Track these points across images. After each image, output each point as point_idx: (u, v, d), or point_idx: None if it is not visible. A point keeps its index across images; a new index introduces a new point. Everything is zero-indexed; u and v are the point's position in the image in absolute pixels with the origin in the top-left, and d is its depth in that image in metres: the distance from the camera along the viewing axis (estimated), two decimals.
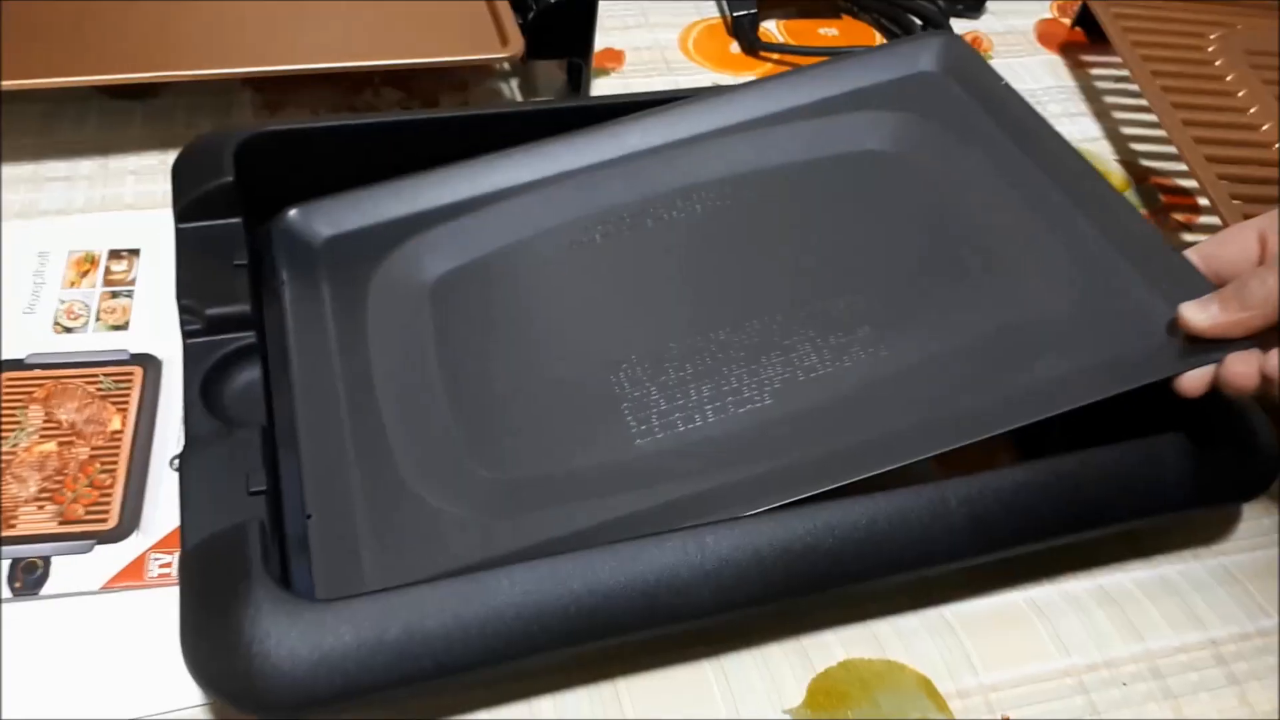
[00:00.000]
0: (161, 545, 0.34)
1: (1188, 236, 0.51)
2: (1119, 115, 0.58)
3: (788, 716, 0.31)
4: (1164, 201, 0.53)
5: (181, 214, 0.38)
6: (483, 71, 0.54)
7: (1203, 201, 0.53)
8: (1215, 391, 0.31)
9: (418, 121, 0.43)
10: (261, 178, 0.40)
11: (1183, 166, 0.53)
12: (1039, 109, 0.42)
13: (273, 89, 0.51)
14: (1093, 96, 0.60)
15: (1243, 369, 0.30)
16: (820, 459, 0.32)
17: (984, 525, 0.31)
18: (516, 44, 0.48)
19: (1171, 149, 0.52)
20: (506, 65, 0.54)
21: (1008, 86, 0.42)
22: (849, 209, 0.40)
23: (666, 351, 0.37)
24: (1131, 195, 0.53)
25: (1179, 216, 0.52)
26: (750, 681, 0.32)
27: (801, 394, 0.35)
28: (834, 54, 0.59)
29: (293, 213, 0.41)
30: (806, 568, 0.30)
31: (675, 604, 0.29)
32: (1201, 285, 0.33)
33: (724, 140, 0.44)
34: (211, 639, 0.27)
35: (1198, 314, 0.31)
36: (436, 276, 0.40)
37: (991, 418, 0.31)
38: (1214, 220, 0.51)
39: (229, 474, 0.30)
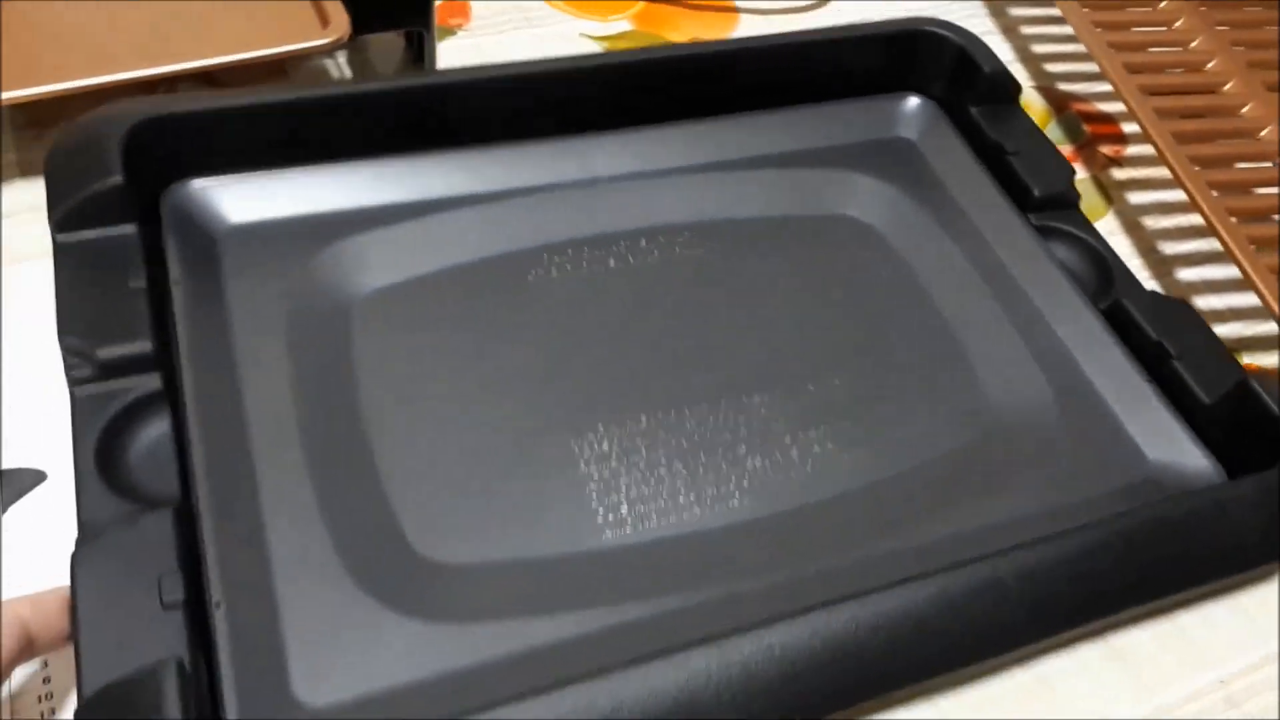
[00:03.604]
0: None
1: (1118, 174, 0.46)
2: (1029, 30, 0.53)
3: None
4: (1089, 133, 0.48)
5: (60, 223, 0.30)
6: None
7: (1129, 128, 0.48)
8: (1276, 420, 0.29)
9: (363, 95, 0.35)
10: (159, 172, 0.32)
11: (1105, 87, 0.49)
12: None
13: (39, 104, 0.40)
14: (999, 12, 0.54)
15: None
16: (806, 580, 0.28)
17: (1046, 606, 0.27)
18: (340, 25, 0.39)
19: (1091, 67, 0.48)
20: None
21: (982, 168, 0.40)
22: (825, 277, 0.36)
23: (638, 425, 0.31)
24: (1053, 129, 0.48)
25: (1106, 150, 0.47)
26: None
27: (784, 495, 0.31)
28: None
29: (190, 187, 0.33)
30: (847, 677, 0.25)
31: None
32: (1162, 416, 0.33)
33: (693, 178, 0.38)
34: None
35: None
36: (366, 294, 0.33)
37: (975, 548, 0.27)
38: (1146, 150, 0.47)
39: (137, 578, 0.24)
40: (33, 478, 0.30)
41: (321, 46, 0.38)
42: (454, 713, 0.22)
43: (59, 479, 0.30)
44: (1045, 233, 0.38)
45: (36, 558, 0.28)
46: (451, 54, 0.47)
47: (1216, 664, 0.30)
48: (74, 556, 0.24)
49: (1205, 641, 0.31)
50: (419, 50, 0.44)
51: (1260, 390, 0.31)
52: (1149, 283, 0.42)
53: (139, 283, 0.29)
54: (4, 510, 0.29)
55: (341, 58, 0.45)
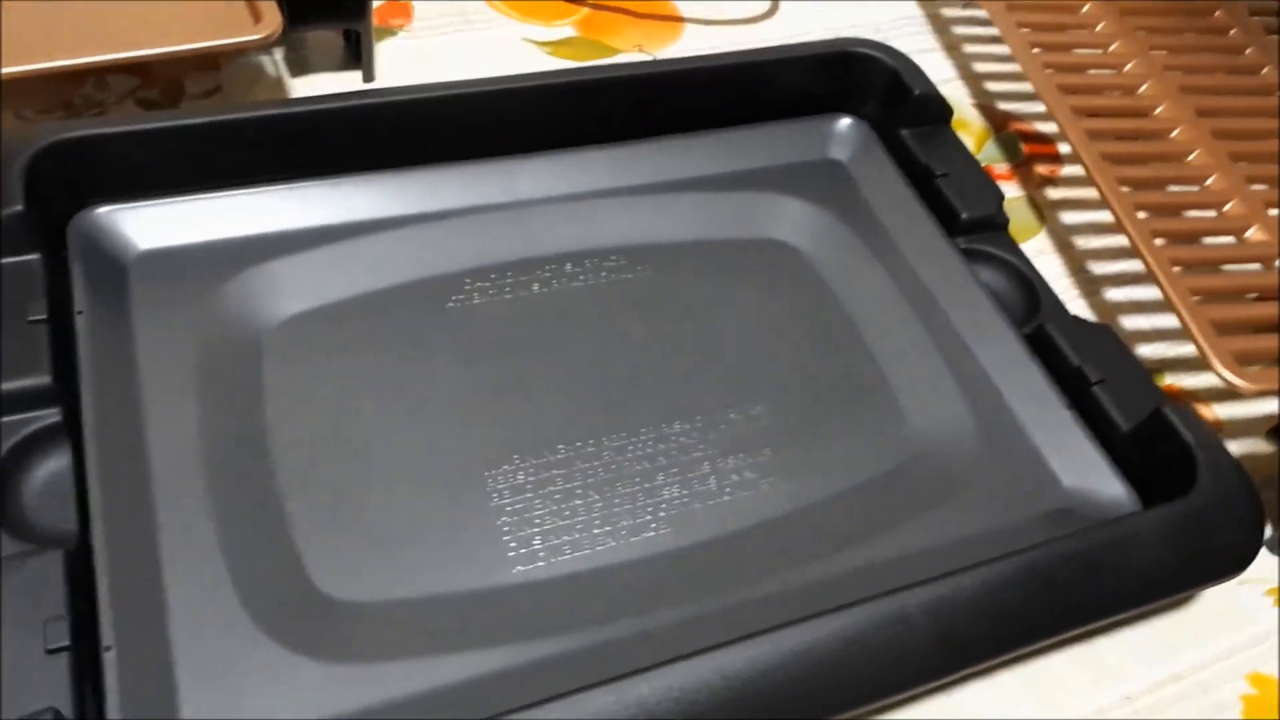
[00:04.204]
0: None
1: (1052, 193, 0.47)
2: (971, 49, 0.53)
3: None
4: (1025, 152, 0.48)
5: None
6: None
7: (1065, 149, 0.49)
8: (1195, 456, 0.29)
9: (276, 118, 0.34)
10: (62, 198, 0.31)
11: (1041, 108, 0.49)
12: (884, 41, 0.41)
13: None
14: (943, 28, 0.54)
15: None
16: (717, 613, 0.28)
17: (956, 641, 0.26)
18: (272, 21, 0.38)
19: (1029, 87, 0.48)
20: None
21: (912, 191, 0.39)
22: (751, 302, 0.36)
23: (555, 456, 0.31)
24: (991, 147, 0.48)
25: (1042, 169, 0.48)
26: None
27: (701, 525, 0.30)
28: None
29: (98, 213, 0.32)
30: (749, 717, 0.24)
31: None
32: (1080, 443, 0.33)
33: (622, 201, 0.38)
34: None
35: None
36: (279, 321, 0.32)
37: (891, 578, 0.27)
38: (1077, 170, 0.48)
39: (21, 623, 0.23)
40: None
41: (252, 43, 0.37)
42: None
43: None
44: (973, 256, 0.38)
45: None
46: (392, 55, 0.46)
47: (1123, 680, 0.30)
48: None
49: (1116, 661, 0.31)
50: (358, 50, 0.43)
51: (1174, 419, 0.31)
52: (1078, 301, 0.42)
53: (39, 315, 0.29)
54: None
55: (279, 55, 0.45)
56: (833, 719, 0.26)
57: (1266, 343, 0.36)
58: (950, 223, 0.39)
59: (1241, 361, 0.34)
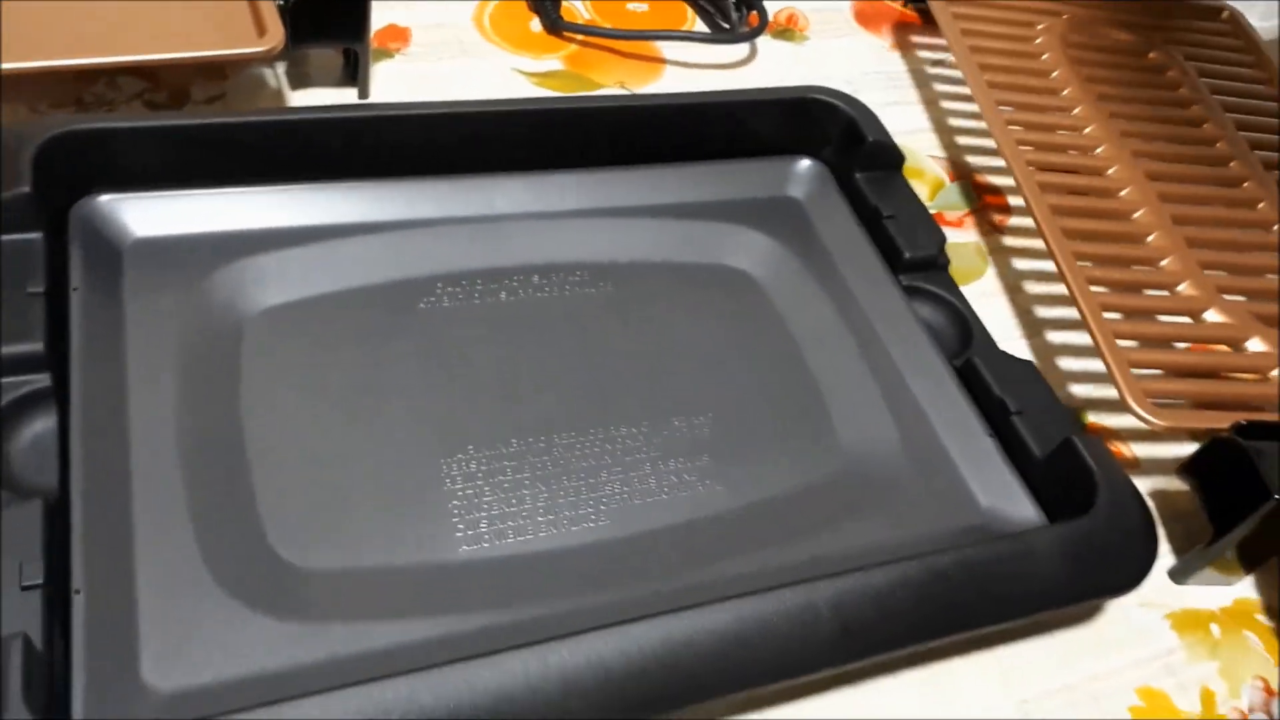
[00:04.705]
0: None
1: (1006, 240, 0.49)
2: (946, 105, 0.56)
3: None
4: (981, 201, 0.51)
5: None
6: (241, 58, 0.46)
7: (1016, 200, 0.52)
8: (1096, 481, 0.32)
9: (272, 124, 0.37)
10: (66, 185, 0.34)
11: (1000, 163, 0.52)
12: (855, 94, 0.44)
13: None
14: (922, 83, 0.57)
15: None
16: (649, 597, 0.30)
17: (857, 632, 0.29)
18: (275, 35, 0.41)
19: (991, 143, 0.51)
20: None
21: (862, 231, 0.43)
22: (705, 322, 0.39)
23: (507, 449, 0.33)
24: (950, 191, 0.51)
25: (996, 218, 0.51)
26: None
27: (637, 519, 0.33)
28: (644, 38, 0.54)
29: (99, 201, 0.35)
30: (661, 686, 0.27)
31: None
32: (998, 467, 0.35)
33: (591, 222, 0.41)
34: None
35: None
36: (259, 310, 0.35)
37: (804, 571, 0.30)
38: (1027, 221, 0.51)
39: (2, 561, 0.25)
40: None
41: (254, 55, 0.40)
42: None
43: None
44: (913, 293, 0.41)
45: None
46: (387, 76, 0.49)
47: (1020, 686, 0.33)
48: None
49: (1015, 668, 0.33)
50: (355, 69, 0.46)
51: (1081, 448, 0.34)
52: (1020, 341, 0.45)
53: (37, 287, 0.31)
54: None
55: (281, 70, 0.48)
56: (743, 692, 0.28)
57: (1180, 385, 0.39)
58: (895, 261, 0.42)
59: (1156, 400, 0.37)
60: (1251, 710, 0.34)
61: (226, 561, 0.29)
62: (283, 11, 0.41)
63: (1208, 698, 0.34)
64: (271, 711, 0.23)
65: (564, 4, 0.55)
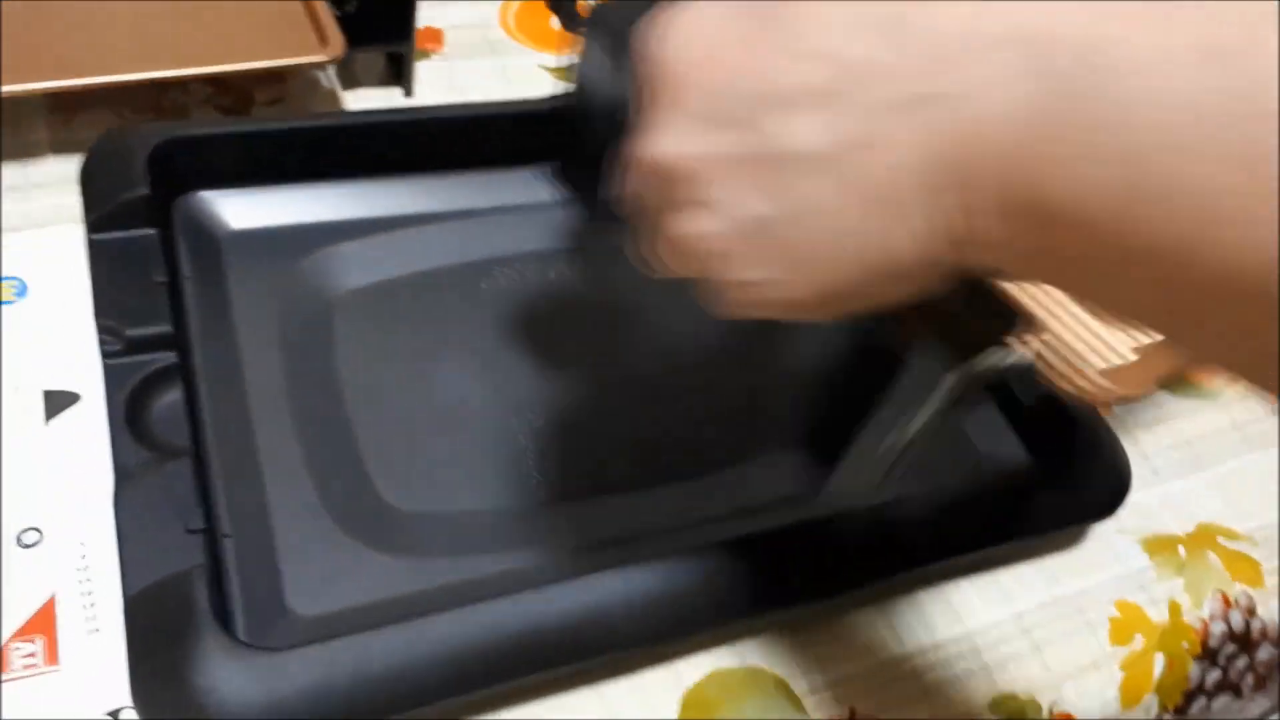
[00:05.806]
0: (23, 633, 0.32)
1: None
2: None
3: None
4: None
5: (94, 225, 0.36)
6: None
7: None
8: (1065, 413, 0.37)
9: (346, 127, 0.42)
10: (173, 184, 0.39)
11: None
12: None
13: (68, 94, 0.46)
14: None
15: None
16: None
17: (880, 553, 0.34)
18: (337, 44, 0.45)
19: None
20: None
21: None
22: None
23: (564, 409, 0.38)
24: None
25: None
26: (626, 705, 0.33)
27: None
28: None
29: (199, 196, 0.40)
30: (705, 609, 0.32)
31: (608, 637, 0.31)
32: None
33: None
34: (165, 689, 0.27)
35: None
36: (345, 291, 0.40)
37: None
38: None
39: (165, 510, 0.30)
40: (67, 398, 0.36)
41: (320, 62, 0.45)
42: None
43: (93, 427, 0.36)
44: None
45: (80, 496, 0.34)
46: (427, 73, 0.53)
47: (1016, 600, 0.38)
48: (115, 494, 0.30)
49: (1012, 586, 0.39)
50: (398, 68, 0.51)
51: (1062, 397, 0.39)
52: None
53: (161, 277, 0.36)
54: (47, 422, 0.35)
55: (333, 70, 0.52)
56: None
57: None
58: None
59: None
60: (1212, 618, 0.40)
61: (344, 508, 0.34)
62: (340, 20, 0.46)
63: (1175, 609, 0.40)
64: (412, 628, 0.28)
65: (581, 2, 0.59)
